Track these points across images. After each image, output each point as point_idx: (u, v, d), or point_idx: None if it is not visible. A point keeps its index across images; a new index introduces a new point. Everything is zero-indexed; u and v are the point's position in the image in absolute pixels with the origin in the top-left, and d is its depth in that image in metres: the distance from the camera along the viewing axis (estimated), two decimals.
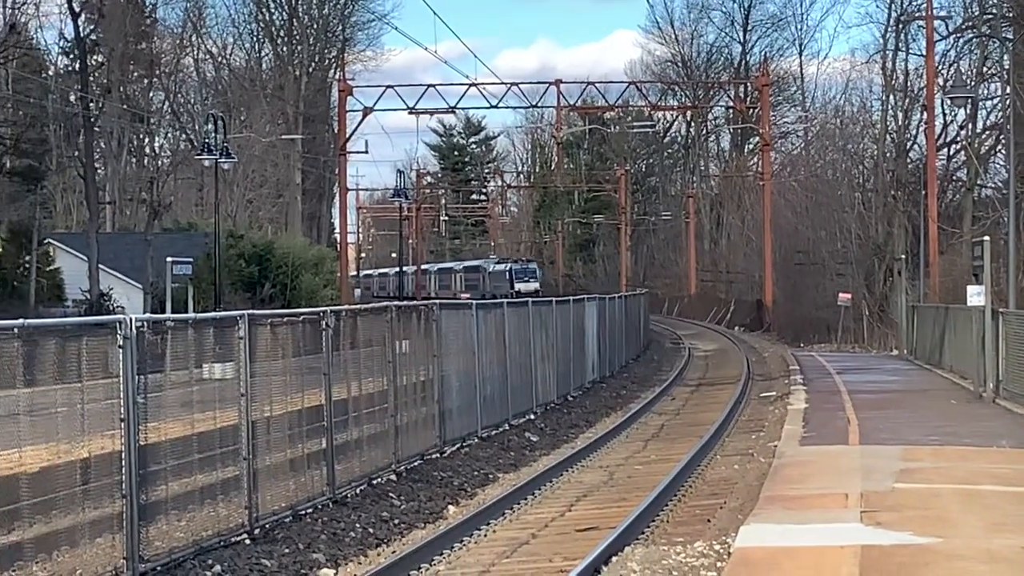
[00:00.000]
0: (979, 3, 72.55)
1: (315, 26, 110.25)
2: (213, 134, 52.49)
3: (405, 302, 37.50)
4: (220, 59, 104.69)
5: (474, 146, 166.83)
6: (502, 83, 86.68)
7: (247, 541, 17.91)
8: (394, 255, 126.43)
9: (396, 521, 20.47)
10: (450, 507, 22.01)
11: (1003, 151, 74.31)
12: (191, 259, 55.06)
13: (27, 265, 62.08)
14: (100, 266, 61.53)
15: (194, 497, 17.43)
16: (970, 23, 72.47)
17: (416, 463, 24.96)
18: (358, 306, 29.14)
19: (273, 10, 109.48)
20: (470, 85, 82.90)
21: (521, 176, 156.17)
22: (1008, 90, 59.19)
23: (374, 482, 22.59)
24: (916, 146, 75.16)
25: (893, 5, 78.38)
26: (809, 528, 15.81)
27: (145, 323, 16.13)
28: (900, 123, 76.25)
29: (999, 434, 24.91)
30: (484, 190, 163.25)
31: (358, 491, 21.80)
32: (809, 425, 27.49)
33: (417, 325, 26.30)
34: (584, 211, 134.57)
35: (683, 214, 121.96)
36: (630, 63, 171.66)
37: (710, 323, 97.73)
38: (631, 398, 42.62)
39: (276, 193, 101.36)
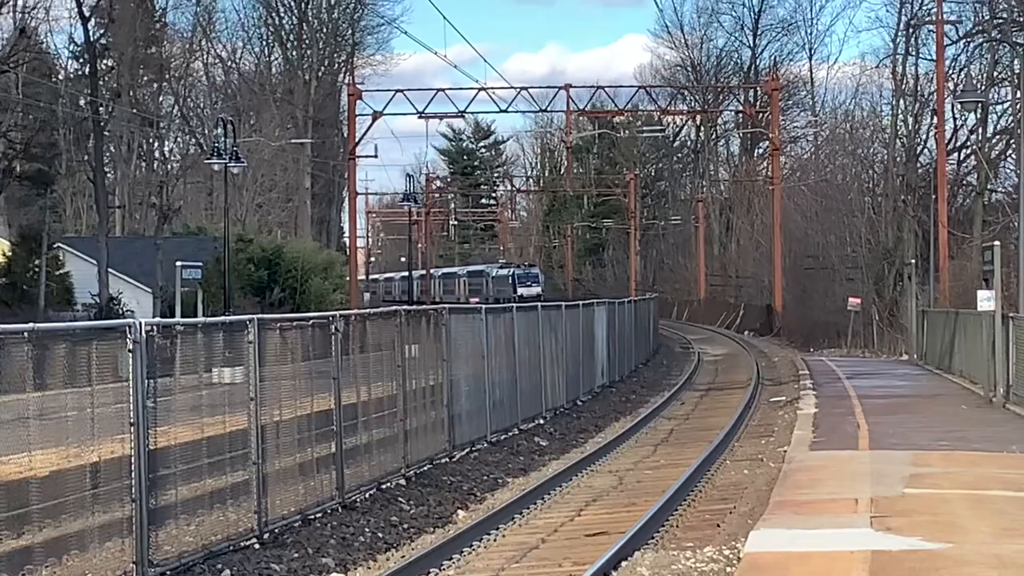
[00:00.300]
0: (989, 7, 72.49)
1: (324, 30, 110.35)
2: (223, 138, 52.52)
3: (414, 306, 37.49)
4: (230, 63, 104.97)
5: (484, 150, 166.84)
6: (512, 87, 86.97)
7: (256, 545, 17.90)
8: (403, 259, 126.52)
9: (405, 526, 20.47)
10: (459, 512, 22.00)
11: (1013, 155, 74.31)
12: (200, 263, 55.13)
13: (37, 269, 62.15)
14: (110, 270, 61.58)
15: (203, 501, 17.43)
16: (980, 27, 72.42)
17: (425, 467, 24.94)
18: (367, 310, 29.13)
19: (283, 14, 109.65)
20: (480, 89, 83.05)
21: (530, 180, 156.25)
22: (1019, 94, 59.14)
23: (383, 486, 22.58)
24: (926, 150, 75.15)
25: (903, 9, 78.43)
26: (819, 533, 15.78)
27: (155, 327, 16.13)
28: (910, 127, 76.20)
29: (1009, 439, 24.87)
30: (493, 194, 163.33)
31: (367, 495, 21.79)
32: (819, 430, 27.46)
33: (426, 329, 26.29)
34: (593, 215, 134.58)
35: (692, 218, 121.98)
36: (640, 67, 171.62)
37: (719, 327, 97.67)
38: (640, 403, 42.60)
39: (285, 197, 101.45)
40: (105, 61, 70.34)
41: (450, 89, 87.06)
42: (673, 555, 16.90)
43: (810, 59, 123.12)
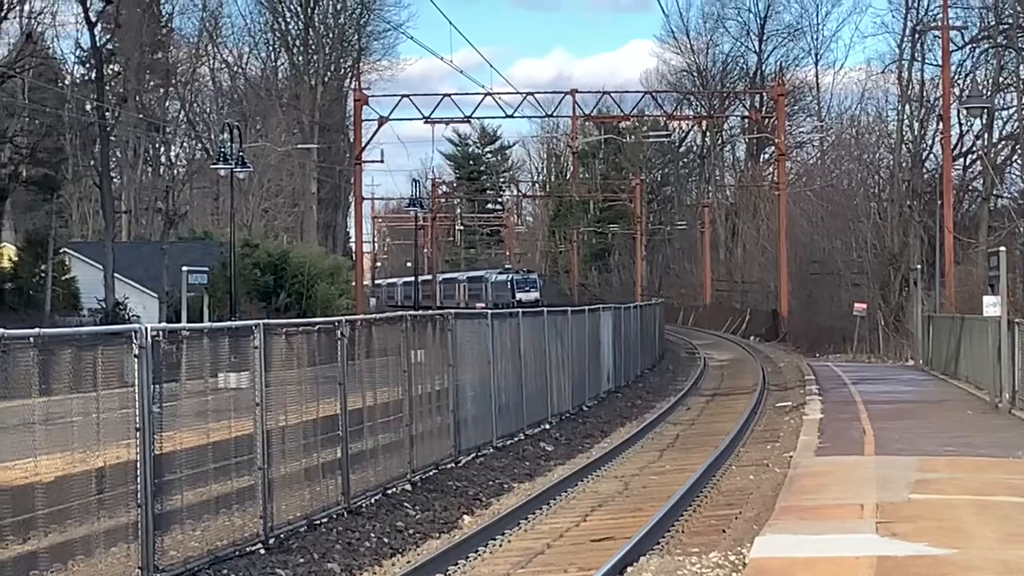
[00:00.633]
0: (995, 13, 72.53)
1: (331, 36, 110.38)
2: (229, 143, 52.56)
3: (420, 312, 37.50)
4: (236, 68, 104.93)
5: (489, 155, 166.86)
6: (518, 92, 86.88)
7: (262, 551, 17.91)
8: (409, 264, 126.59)
9: (411, 531, 20.47)
10: (465, 517, 22.00)
11: (1019, 161, 74.36)
12: (206, 268, 55.11)
13: (43, 274, 62.21)
14: (116, 275, 61.63)
15: (209, 507, 17.43)
16: (986, 33, 72.46)
17: (431, 473, 24.94)
18: (373, 316, 29.15)
19: (289, 19, 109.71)
20: (486, 94, 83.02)
21: (536, 185, 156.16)
22: None
23: (389, 492, 22.58)
24: (932, 156, 75.20)
25: (909, 15, 78.45)
26: (824, 539, 15.78)
27: (160, 332, 16.15)
28: (916, 133, 76.20)
29: (1015, 445, 24.86)
30: (499, 199, 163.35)
31: (373, 501, 21.80)
32: (824, 435, 27.45)
33: (432, 335, 26.30)
34: (599, 221, 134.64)
35: (698, 224, 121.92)
36: (646, 73, 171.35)
37: (725, 333, 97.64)
38: (646, 408, 42.60)
39: (292, 202, 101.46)
40: (111, 66, 70.41)
41: (456, 94, 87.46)
42: (679, 560, 16.90)
43: (816, 64, 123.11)
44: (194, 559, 16.44)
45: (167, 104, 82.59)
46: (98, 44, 64.93)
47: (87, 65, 75.05)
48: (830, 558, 14.64)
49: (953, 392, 39.69)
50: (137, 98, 72.64)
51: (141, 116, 73.72)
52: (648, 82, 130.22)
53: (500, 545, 19.60)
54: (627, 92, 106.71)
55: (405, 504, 22.24)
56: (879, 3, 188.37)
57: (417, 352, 24.81)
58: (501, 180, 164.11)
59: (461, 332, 27.94)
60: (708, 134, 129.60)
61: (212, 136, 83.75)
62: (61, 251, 67.37)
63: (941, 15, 62.14)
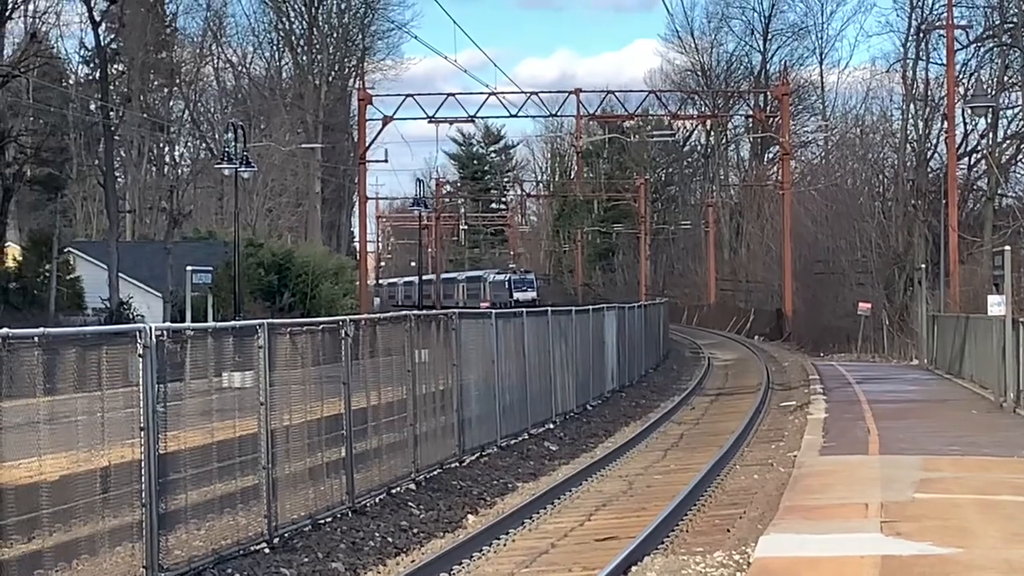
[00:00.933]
0: (1000, 12, 72.47)
1: (335, 35, 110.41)
2: (233, 143, 52.57)
3: (424, 311, 37.52)
4: (240, 68, 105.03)
5: (494, 155, 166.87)
6: (522, 92, 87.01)
7: (266, 550, 17.91)
8: (413, 264, 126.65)
9: (415, 530, 20.47)
10: (469, 516, 22.00)
11: None
12: (211, 268, 55.17)
13: (47, 273, 62.24)
14: (120, 275, 61.66)
15: (213, 506, 17.44)
16: (991, 32, 72.42)
17: (435, 472, 24.95)
18: (377, 315, 29.15)
19: (293, 19, 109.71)
20: (490, 94, 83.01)
21: (540, 185, 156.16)
22: None
23: (393, 491, 22.59)
24: (936, 155, 75.13)
25: (914, 14, 78.40)
26: (829, 538, 15.77)
27: (165, 332, 16.16)
28: (920, 132, 76.16)
29: (1020, 444, 24.84)
30: (503, 199, 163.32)
31: (377, 500, 21.80)
32: (829, 435, 27.44)
33: (436, 334, 26.29)
34: (603, 220, 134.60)
35: (703, 223, 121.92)
36: (650, 72, 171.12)
37: (729, 332, 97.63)
38: (650, 407, 42.59)
39: (296, 202, 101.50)
40: (116, 66, 70.58)
41: (460, 94, 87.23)
42: (683, 560, 16.88)
43: (820, 64, 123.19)
44: (198, 558, 16.45)
45: (171, 104, 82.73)
46: (102, 44, 64.99)
47: (91, 65, 75.22)
48: (834, 558, 14.63)
49: (957, 392, 39.67)
50: (141, 98, 72.80)
51: (145, 116, 73.81)
52: (652, 81, 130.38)
53: (504, 545, 19.59)
54: (631, 91, 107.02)
55: (409, 503, 22.24)
56: (884, 2, 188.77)
57: (421, 352, 24.81)
58: (505, 180, 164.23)
59: (465, 332, 27.93)
60: (712, 133, 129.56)
61: (216, 136, 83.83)
62: (65, 250, 67.40)
63: (946, 14, 62.17)
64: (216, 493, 17.52)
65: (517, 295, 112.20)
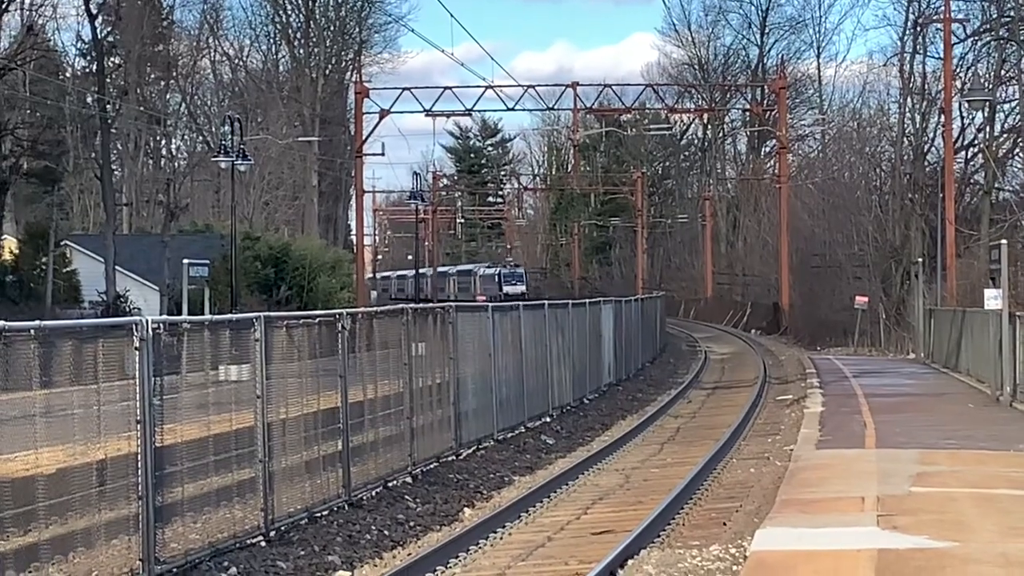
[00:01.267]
0: (997, 6, 72.44)
1: (332, 28, 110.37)
2: (230, 136, 52.53)
3: (421, 304, 37.52)
4: (237, 61, 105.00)
5: (490, 148, 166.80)
6: (519, 85, 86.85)
7: (263, 543, 17.92)
8: (410, 257, 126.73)
9: (412, 523, 20.47)
10: (466, 510, 22.01)
11: (1021, 154, 74.34)
12: (207, 261, 55.09)
13: (44, 266, 62.22)
14: (116, 268, 61.64)
15: (210, 499, 17.43)
16: (988, 26, 72.40)
17: (432, 465, 24.96)
18: (374, 308, 29.15)
19: (290, 12, 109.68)
20: (487, 87, 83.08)
21: (537, 179, 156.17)
22: None
23: (390, 484, 22.59)
24: (933, 149, 75.09)
25: (911, 8, 78.32)
26: (825, 532, 15.78)
27: (161, 325, 16.15)
28: (917, 126, 76.12)
29: (1016, 438, 24.86)
30: (500, 192, 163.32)
31: (374, 493, 21.81)
32: (825, 429, 27.46)
33: (433, 327, 26.30)
34: (600, 214, 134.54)
35: (699, 217, 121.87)
36: (647, 66, 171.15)
37: (726, 326, 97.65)
38: (647, 401, 42.59)
39: (292, 195, 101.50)
40: (112, 59, 70.41)
41: (457, 87, 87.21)
42: (679, 553, 16.89)
43: (818, 57, 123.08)
44: (195, 551, 16.45)
45: (168, 97, 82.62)
46: (99, 36, 64.91)
47: (88, 57, 75.21)
48: (831, 551, 14.63)
49: (954, 385, 39.69)
50: (138, 91, 72.71)
51: (142, 109, 73.75)
52: (649, 75, 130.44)
53: (501, 538, 19.59)
54: (628, 85, 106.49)
55: (406, 497, 22.25)
56: None
57: (418, 345, 24.81)
58: (502, 173, 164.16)
59: (462, 325, 27.94)
60: (709, 127, 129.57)
61: (213, 129, 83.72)
62: (62, 243, 67.38)
63: (943, 8, 62.06)
64: (212, 486, 17.52)
65: (507, 288, 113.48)
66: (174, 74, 79.89)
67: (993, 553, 14.28)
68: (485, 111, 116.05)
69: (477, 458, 27.29)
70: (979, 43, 73.06)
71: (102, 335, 15.39)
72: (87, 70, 75.71)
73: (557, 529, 20.10)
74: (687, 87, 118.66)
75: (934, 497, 18.02)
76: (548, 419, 34.63)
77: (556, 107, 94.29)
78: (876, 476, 20.01)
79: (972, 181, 76.02)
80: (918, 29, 75.49)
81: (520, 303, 37.20)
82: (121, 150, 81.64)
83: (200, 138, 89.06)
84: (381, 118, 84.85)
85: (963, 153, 74.20)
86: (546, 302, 40.07)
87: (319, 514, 19.71)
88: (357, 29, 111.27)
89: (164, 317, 17.87)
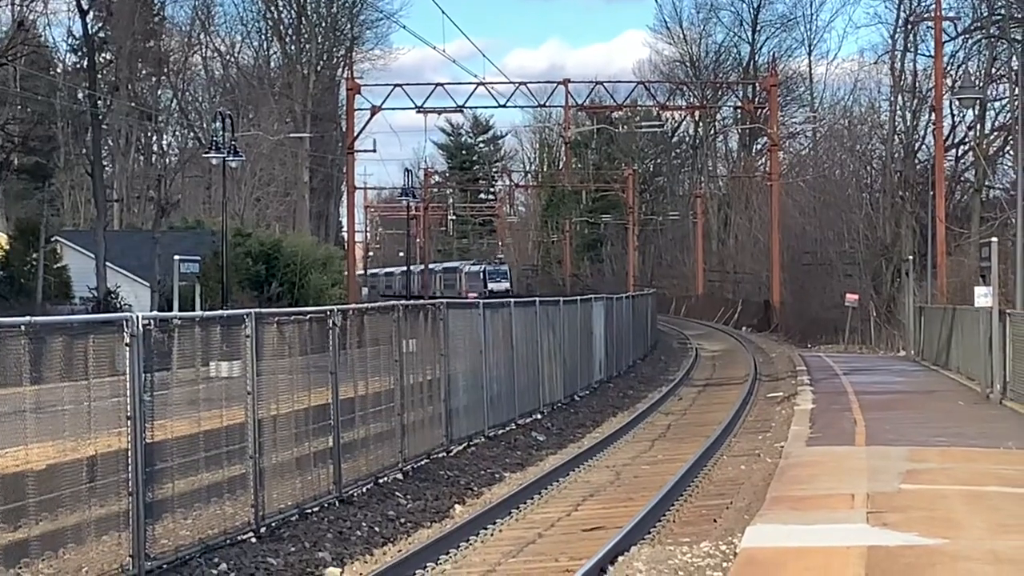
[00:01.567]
0: (988, 4, 72.52)
1: (323, 24, 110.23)
2: (221, 132, 52.47)
3: (412, 301, 37.51)
4: (228, 57, 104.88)
5: (482, 145, 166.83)
6: (510, 82, 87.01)
7: (253, 539, 17.92)
8: (402, 254, 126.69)
9: (402, 520, 20.47)
10: (456, 506, 22.02)
11: (1011, 152, 74.31)
12: (198, 257, 55.07)
13: (34, 263, 62.13)
14: (107, 264, 61.56)
15: (200, 495, 17.43)
16: (979, 24, 72.45)
17: (423, 462, 24.97)
18: (365, 305, 29.15)
19: (281, 8, 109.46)
20: (478, 84, 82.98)
21: (529, 176, 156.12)
22: (1017, 91, 59.08)
23: (380, 481, 22.60)
24: (924, 147, 75.13)
25: (902, 6, 78.40)
26: (815, 529, 15.80)
27: (152, 321, 16.14)
28: (908, 124, 76.20)
29: (1006, 436, 24.88)
30: (492, 189, 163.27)
31: (364, 490, 21.81)
32: (816, 426, 27.48)
33: (424, 324, 26.29)
34: (592, 211, 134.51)
35: (691, 214, 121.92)
36: (639, 63, 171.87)
37: (717, 323, 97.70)
38: (638, 398, 42.62)
39: (284, 191, 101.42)
40: (104, 54, 70.34)
41: (449, 84, 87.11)
42: (670, 550, 16.90)
43: (809, 55, 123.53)
44: (185, 547, 16.44)
45: (159, 93, 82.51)
46: (90, 32, 64.82)
47: (79, 53, 74.99)
48: (821, 548, 14.65)
49: (944, 383, 39.73)
50: (129, 86, 72.56)
51: (133, 104, 73.64)
52: (641, 72, 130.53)
53: (492, 534, 19.60)
54: (620, 82, 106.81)
55: (397, 493, 22.26)
56: None
57: (409, 341, 24.81)
58: (494, 170, 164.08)
59: (453, 322, 27.94)
60: (701, 124, 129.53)
61: (204, 125, 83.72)
62: (53, 240, 67.26)
63: (934, 6, 62.18)
64: (203, 482, 17.52)
65: (492, 286, 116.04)
66: (165, 70, 79.79)
67: (982, 550, 14.31)
68: (477, 108, 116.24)
69: (468, 455, 27.30)
70: (970, 41, 73.22)
71: (92, 331, 15.38)
72: (78, 66, 75.52)
73: (548, 526, 20.12)
74: (679, 84, 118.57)
75: (924, 494, 18.04)
76: (539, 416, 34.66)
77: (548, 104, 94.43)
78: (866, 473, 20.03)
79: (962, 179, 76.14)
80: (909, 27, 75.66)
81: (511, 300, 37.19)
82: (112, 146, 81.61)
83: (191, 134, 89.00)
84: (373, 114, 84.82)
85: (954, 151, 74.32)
86: (537, 299, 40.07)
87: (310, 510, 19.71)
88: (349, 25, 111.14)
89: (155, 313, 17.89)
